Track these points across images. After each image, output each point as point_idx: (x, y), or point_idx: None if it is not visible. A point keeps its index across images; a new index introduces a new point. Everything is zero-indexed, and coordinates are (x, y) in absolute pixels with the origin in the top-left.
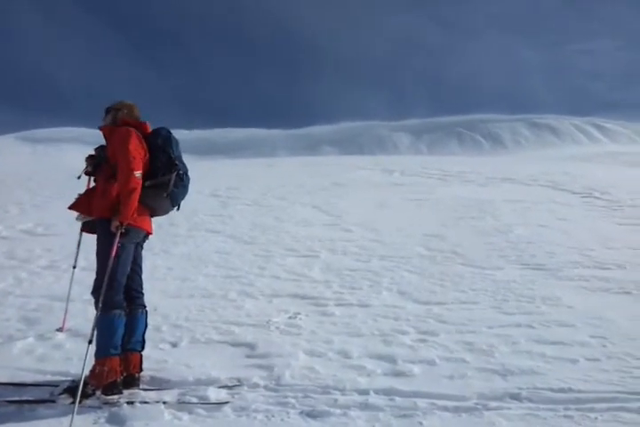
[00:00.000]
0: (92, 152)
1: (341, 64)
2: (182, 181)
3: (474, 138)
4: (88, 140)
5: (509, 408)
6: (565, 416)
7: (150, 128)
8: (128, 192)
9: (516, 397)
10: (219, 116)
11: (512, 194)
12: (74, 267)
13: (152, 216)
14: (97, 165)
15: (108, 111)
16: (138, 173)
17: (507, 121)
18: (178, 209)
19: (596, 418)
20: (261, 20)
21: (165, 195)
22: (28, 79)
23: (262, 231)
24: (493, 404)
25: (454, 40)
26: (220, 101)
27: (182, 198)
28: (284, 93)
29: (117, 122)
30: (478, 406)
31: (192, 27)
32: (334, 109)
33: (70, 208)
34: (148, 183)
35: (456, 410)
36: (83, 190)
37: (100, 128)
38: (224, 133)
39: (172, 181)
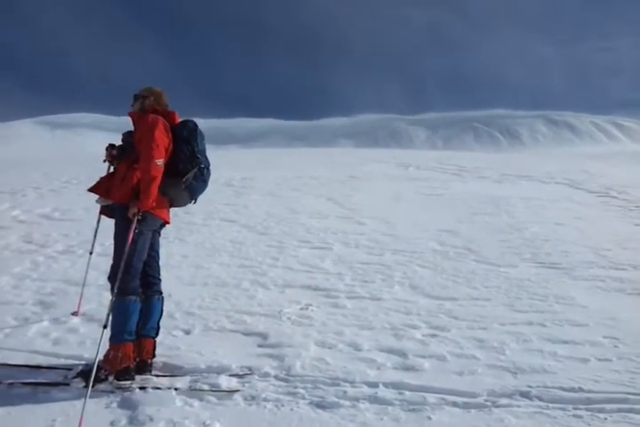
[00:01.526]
0: (111, 141)
1: (360, 56)
2: (202, 176)
3: (491, 134)
4: (106, 126)
5: (519, 406)
6: (575, 416)
7: (178, 119)
8: (149, 180)
9: (525, 395)
10: (235, 105)
11: (528, 191)
12: (90, 253)
13: (171, 207)
14: (123, 149)
15: (136, 98)
16: (159, 162)
17: (525, 117)
18: (195, 202)
19: (605, 419)
20: (280, 10)
21: (184, 187)
22: (47, 64)
23: (276, 222)
24: (503, 401)
25: (474, 35)
26: (237, 91)
27: (201, 192)
28: (301, 84)
29: (146, 109)
30: (488, 403)
31: (209, 14)
32: (351, 102)
33: (90, 190)
34: (168, 175)
35: (465, 406)
36: (102, 175)
37: (129, 114)
38: (240, 123)
39: (192, 175)
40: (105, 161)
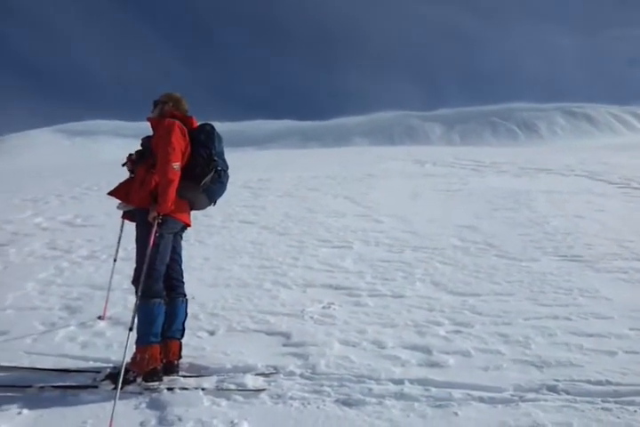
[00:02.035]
0: (130, 147)
1: (373, 54)
2: (220, 178)
3: (508, 127)
4: (123, 132)
5: (546, 400)
6: (603, 409)
7: (196, 123)
8: (166, 183)
9: (552, 389)
10: (251, 107)
11: (548, 184)
12: (114, 260)
13: (191, 210)
14: (142, 154)
15: (156, 104)
16: (176, 165)
17: (542, 110)
18: (214, 204)
19: (635, 411)
20: (295, 10)
21: (202, 190)
22: (65, 72)
23: (295, 222)
24: (530, 395)
25: (488, 28)
26: (253, 93)
27: (220, 195)
28: (317, 84)
29: (164, 114)
30: (514, 398)
31: (224, 17)
32: (365, 100)
33: (109, 194)
34: (186, 178)
35: (492, 401)
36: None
37: (148, 119)
38: (255, 125)
39: (210, 177)
40: (124, 165)
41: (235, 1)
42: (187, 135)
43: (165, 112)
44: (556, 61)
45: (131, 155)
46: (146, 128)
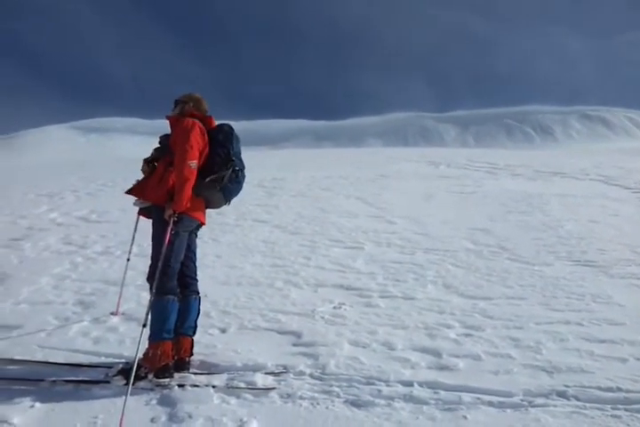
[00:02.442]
0: (145, 145)
1: (387, 55)
2: (237, 178)
3: (523, 130)
4: (139, 130)
5: (555, 406)
6: (613, 416)
7: (215, 123)
8: (182, 181)
9: (562, 394)
10: (265, 107)
11: (562, 188)
12: (128, 259)
13: (206, 208)
14: (161, 151)
15: (176, 103)
16: (193, 164)
17: (558, 113)
18: (229, 204)
19: None
20: (309, 11)
21: (218, 189)
22: (80, 70)
23: (307, 222)
24: (539, 401)
25: (502, 31)
26: (267, 92)
27: (236, 195)
28: (329, 84)
29: (184, 113)
30: (524, 403)
31: (237, 17)
32: (379, 100)
33: (127, 193)
34: (203, 176)
35: (501, 405)
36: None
37: (167, 117)
38: (269, 124)
39: (227, 177)
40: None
41: (250, 0)
42: (205, 135)
43: (185, 111)
44: (571, 64)
45: (146, 159)
46: (162, 126)
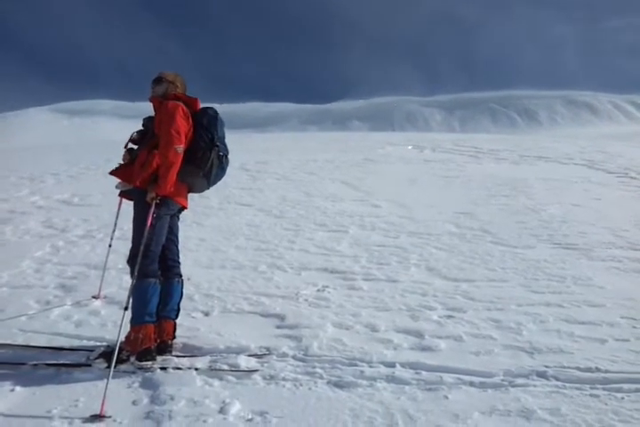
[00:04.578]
0: (129, 128)
1: (373, 38)
2: (221, 164)
3: (508, 115)
4: (122, 112)
5: (535, 386)
6: (592, 395)
7: (200, 105)
8: (167, 165)
9: (542, 375)
10: (250, 89)
11: (546, 172)
12: (109, 245)
13: (189, 192)
14: (144, 134)
15: (158, 81)
16: (179, 148)
17: (543, 97)
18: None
19: (622, 398)
20: None
21: (202, 174)
22: (61, 51)
23: (292, 205)
24: (520, 381)
25: (487, 14)
26: (252, 75)
27: (219, 179)
28: (316, 68)
29: (167, 95)
30: (504, 383)
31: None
32: (365, 84)
33: (111, 174)
34: (186, 161)
35: (482, 386)
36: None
37: (150, 99)
38: (254, 107)
39: (210, 162)
40: (126, 146)
41: None
42: (190, 118)
43: (168, 92)
44: (556, 49)
45: (133, 134)
46: (146, 109)
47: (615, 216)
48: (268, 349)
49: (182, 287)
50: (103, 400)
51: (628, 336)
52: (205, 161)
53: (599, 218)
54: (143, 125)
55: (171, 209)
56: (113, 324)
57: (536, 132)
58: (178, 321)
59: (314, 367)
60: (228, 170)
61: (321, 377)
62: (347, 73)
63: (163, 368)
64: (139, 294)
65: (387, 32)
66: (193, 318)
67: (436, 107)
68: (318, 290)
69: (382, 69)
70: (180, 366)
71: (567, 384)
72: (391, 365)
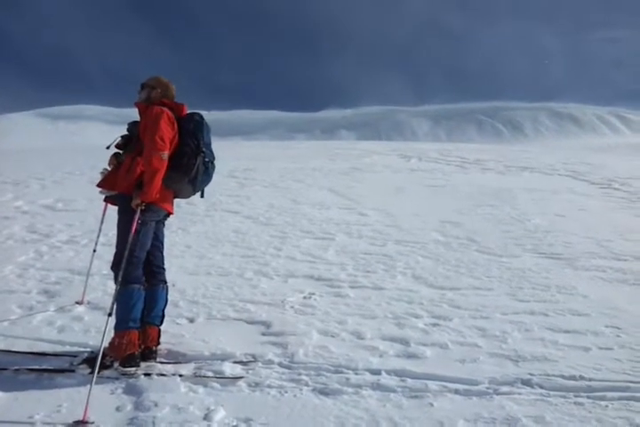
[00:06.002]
0: (114, 133)
1: (361, 47)
2: (207, 169)
3: (494, 125)
4: (107, 118)
5: (520, 393)
6: (576, 403)
7: (186, 111)
8: (152, 172)
9: (527, 382)
10: (237, 97)
11: (531, 183)
12: (94, 250)
13: (175, 198)
14: (128, 140)
15: (143, 87)
16: (164, 155)
17: (528, 109)
18: (202, 196)
19: (606, 406)
20: (283, 2)
21: (187, 180)
22: (47, 55)
23: (279, 213)
24: (504, 389)
25: (475, 25)
26: (240, 83)
27: (205, 186)
28: (304, 76)
29: (152, 100)
30: (489, 391)
31: (210, 6)
32: (353, 93)
33: (98, 186)
34: (172, 166)
35: (467, 393)
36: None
37: (136, 104)
38: (242, 115)
39: (196, 168)
40: (108, 147)
41: None
42: (175, 123)
43: (153, 98)
44: (542, 61)
45: (117, 139)
46: (133, 115)
47: (599, 226)
48: (253, 356)
49: (167, 294)
50: (86, 406)
51: (611, 345)
52: (191, 167)
53: (583, 228)
54: (128, 130)
55: (156, 215)
56: (96, 330)
57: (521, 143)
58: (162, 328)
59: (299, 375)
60: (215, 176)
61: (306, 384)
62: (335, 82)
63: (147, 374)
64: (123, 300)
65: (375, 42)
66: (178, 324)
67: (423, 117)
68: (304, 297)
69: (370, 79)
70: (165, 373)
71: (551, 392)
72: (377, 372)
